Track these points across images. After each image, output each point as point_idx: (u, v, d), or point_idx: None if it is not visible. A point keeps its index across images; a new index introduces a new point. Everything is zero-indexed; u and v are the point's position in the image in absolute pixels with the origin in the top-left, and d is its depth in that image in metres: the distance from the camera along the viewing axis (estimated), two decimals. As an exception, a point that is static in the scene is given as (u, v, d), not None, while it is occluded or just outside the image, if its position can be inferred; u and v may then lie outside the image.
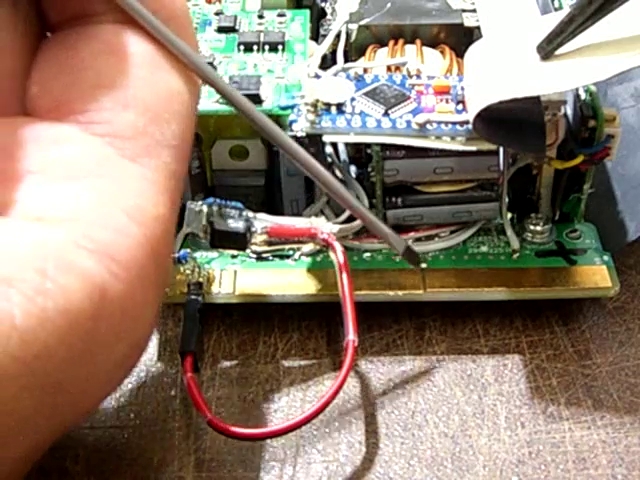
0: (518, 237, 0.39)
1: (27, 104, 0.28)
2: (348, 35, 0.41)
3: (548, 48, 0.34)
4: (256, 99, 0.37)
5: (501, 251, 0.39)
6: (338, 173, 0.39)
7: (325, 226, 0.36)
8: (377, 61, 0.40)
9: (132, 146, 0.27)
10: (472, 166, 0.37)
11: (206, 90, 0.38)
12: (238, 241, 0.36)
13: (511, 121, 0.35)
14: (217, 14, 0.43)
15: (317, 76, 0.38)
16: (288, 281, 0.38)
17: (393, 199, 0.38)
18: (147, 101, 0.27)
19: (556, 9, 0.42)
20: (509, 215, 0.39)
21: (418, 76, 0.38)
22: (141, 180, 0.26)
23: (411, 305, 0.38)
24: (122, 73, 0.27)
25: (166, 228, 0.27)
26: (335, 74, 0.38)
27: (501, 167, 0.37)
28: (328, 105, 0.36)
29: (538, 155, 0.37)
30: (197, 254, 0.38)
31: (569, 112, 0.38)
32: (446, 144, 0.35)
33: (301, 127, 0.35)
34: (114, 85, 0.27)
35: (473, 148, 0.35)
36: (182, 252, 0.37)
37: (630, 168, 0.40)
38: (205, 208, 0.36)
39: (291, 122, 0.36)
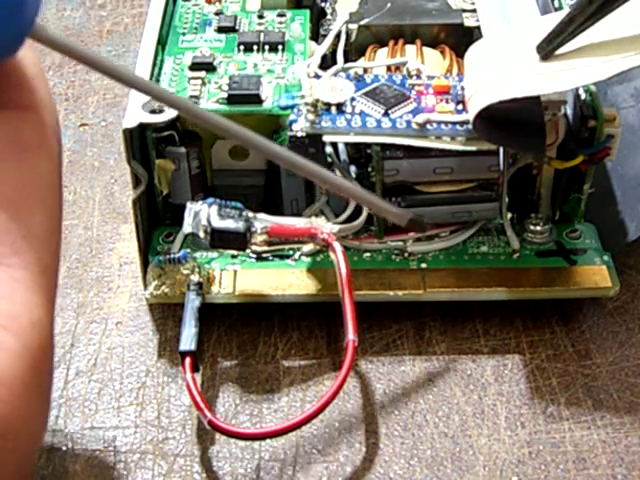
0: (518, 237, 0.39)
1: None
2: (348, 35, 0.41)
3: (548, 48, 0.34)
4: (256, 99, 0.37)
5: (501, 251, 0.39)
6: (338, 173, 0.39)
7: (325, 226, 0.36)
8: (377, 61, 0.40)
9: None
10: (472, 166, 0.37)
11: (206, 90, 0.38)
12: (238, 241, 0.36)
13: (511, 121, 0.35)
14: (217, 14, 0.43)
15: (317, 76, 0.38)
16: (288, 281, 0.38)
17: (393, 199, 0.38)
18: (9, 194, 0.25)
19: (556, 9, 0.42)
20: (509, 215, 0.39)
21: (418, 76, 0.38)
22: (11, 283, 0.24)
23: (411, 305, 0.38)
24: None
25: (45, 333, 0.25)
26: (335, 74, 0.38)
27: (501, 167, 0.37)
28: (328, 105, 0.36)
29: (538, 155, 0.37)
30: (197, 254, 0.38)
31: (569, 112, 0.38)
32: (446, 144, 0.35)
33: (301, 127, 0.35)
34: None
35: (473, 148, 0.35)
36: (182, 252, 0.37)
37: (630, 168, 0.40)
38: (205, 208, 0.36)
39: (291, 122, 0.36)
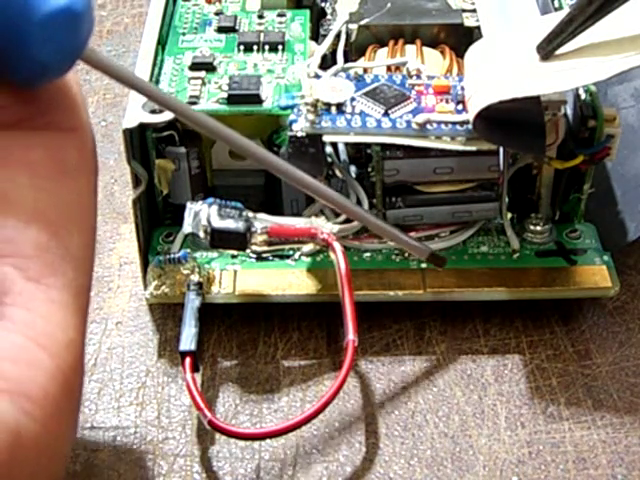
0: (518, 237, 0.39)
1: None
2: (348, 35, 0.41)
3: (548, 48, 0.34)
4: (256, 99, 0.37)
5: (501, 251, 0.39)
6: (338, 173, 0.39)
7: (325, 226, 0.36)
8: (377, 61, 0.40)
9: (36, 265, 0.24)
10: (472, 166, 0.37)
11: (206, 90, 0.38)
12: (238, 241, 0.36)
13: (511, 121, 0.35)
14: (217, 14, 0.43)
15: (317, 76, 0.38)
16: (288, 281, 0.38)
17: (393, 199, 0.38)
18: (49, 214, 0.25)
19: (556, 9, 0.42)
20: (509, 215, 0.39)
21: (418, 76, 0.38)
22: (49, 303, 0.25)
23: (411, 305, 0.38)
24: (22, 186, 0.25)
25: (77, 354, 0.25)
26: (335, 74, 0.38)
27: (501, 167, 0.37)
28: (328, 105, 0.36)
29: (538, 155, 0.37)
30: (197, 254, 0.38)
31: (569, 112, 0.38)
32: (446, 144, 0.35)
33: (301, 127, 0.35)
34: (15, 200, 0.25)
35: (473, 148, 0.35)
36: (182, 252, 0.37)
37: (630, 168, 0.40)
38: (205, 208, 0.36)
39: (291, 122, 0.36)
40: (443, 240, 0.39)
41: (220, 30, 0.42)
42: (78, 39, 0.24)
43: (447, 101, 0.37)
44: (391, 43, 0.41)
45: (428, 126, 0.35)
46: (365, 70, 0.39)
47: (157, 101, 0.29)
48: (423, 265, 0.38)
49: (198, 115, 0.30)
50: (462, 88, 0.37)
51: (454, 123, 0.35)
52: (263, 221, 0.36)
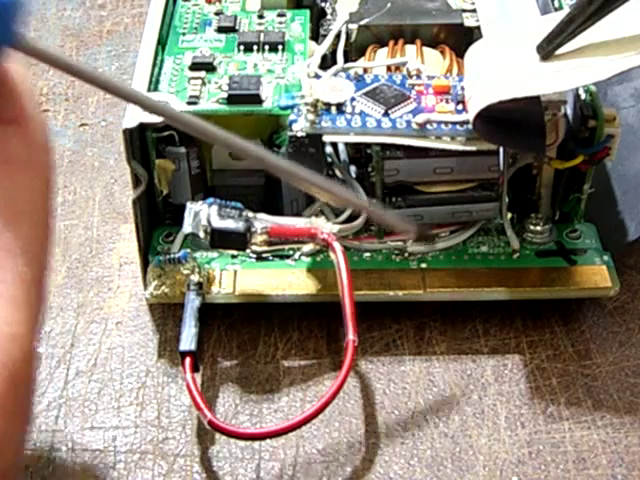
0: (518, 237, 0.39)
1: None
2: (348, 35, 0.41)
3: (548, 48, 0.34)
4: (256, 99, 0.37)
5: (501, 251, 0.39)
6: (338, 173, 0.39)
7: (325, 226, 0.36)
8: (377, 61, 0.40)
9: None
10: (472, 166, 0.37)
11: (206, 90, 0.38)
12: (238, 241, 0.36)
13: (511, 121, 0.35)
14: (217, 14, 0.43)
15: (317, 76, 0.38)
16: (288, 281, 0.38)
17: (393, 199, 0.38)
18: None
19: (556, 9, 0.42)
20: (509, 215, 0.39)
21: (418, 76, 0.38)
22: None
23: (411, 305, 0.38)
24: None
25: (25, 348, 0.24)
26: (335, 74, 0.38)
27: (501, 167, 0.37)
28: (328, 105, 0.36)
29: (538, 155, 0.37)
30: (197, 254, 0.38)
31: (569, 112, 0.38)
32: (446, 144, 0.35)
33: (301, 127, 0.35)
34: None
35: (473, 148, 0.35)
36: (182, 252, 0.37)
37: (630, 168, 0.40)
38: (205, 208, 0.36)
39: (291, 122, 0.36)
40: (443, 240, 0.39)
41: (220, 30, 0.42)
42: (5, 29, 0.24)
43: (447, 101, 0.37)
44: (391, 43, 0.41)
45: (428, 126, 0.35)
46: (365, 70, 0.39)
47: (105, 89, 0.28)
48: (423, 265, 0.38)
49: (149, 100, 0.29)
50: (462, 88, 0.37)
51: (454, 123, 0.35)
52: (263, 221, 0.36)
